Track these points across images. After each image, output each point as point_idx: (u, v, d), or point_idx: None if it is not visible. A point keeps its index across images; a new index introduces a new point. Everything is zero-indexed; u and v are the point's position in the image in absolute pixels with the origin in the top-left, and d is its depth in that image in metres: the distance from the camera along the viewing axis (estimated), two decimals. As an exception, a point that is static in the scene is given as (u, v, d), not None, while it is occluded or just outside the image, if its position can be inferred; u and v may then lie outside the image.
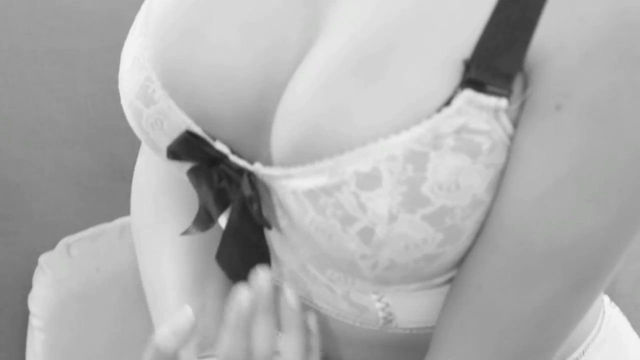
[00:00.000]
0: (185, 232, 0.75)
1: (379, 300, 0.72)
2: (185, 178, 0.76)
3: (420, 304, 0.72)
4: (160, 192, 0.86)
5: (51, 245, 1.07)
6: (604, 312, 0.85)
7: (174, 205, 0.85)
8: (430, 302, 0.72)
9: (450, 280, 0.70)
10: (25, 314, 1.07)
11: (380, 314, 0.74)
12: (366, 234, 0.63)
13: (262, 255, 0.73)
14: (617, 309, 0.88)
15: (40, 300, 1.04)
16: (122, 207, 1.02)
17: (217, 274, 0.85)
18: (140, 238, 0.87)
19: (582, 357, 0.81)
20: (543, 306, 0.65)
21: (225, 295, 0.85)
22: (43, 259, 1.05)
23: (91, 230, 1.08)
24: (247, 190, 0.68)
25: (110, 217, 1.08)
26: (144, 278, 0.86)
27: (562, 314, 0.66)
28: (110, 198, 1.01)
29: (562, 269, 0.63)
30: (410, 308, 0.73)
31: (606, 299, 0.87)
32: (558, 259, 0.63)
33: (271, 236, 0.73)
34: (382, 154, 0.61)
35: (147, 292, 0.86)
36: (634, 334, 0.88)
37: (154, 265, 0.84)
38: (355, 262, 0.65)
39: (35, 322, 1.04)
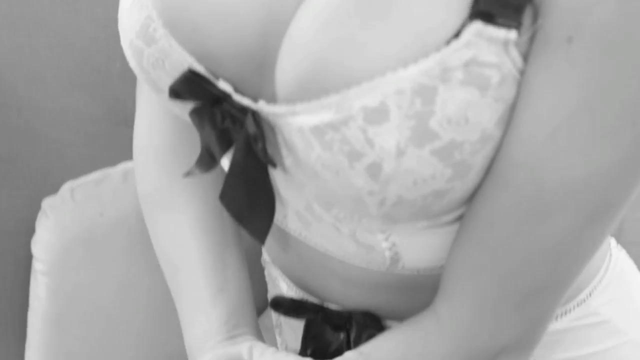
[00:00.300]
0: (188, 174, 0.74)
1: (386, 239, 0.72)
2: (188, 122, 0.75)
3: (427, 243, 0.72)
4: (167, 155, 0.85)
5: (54, 190, 1.06)
6: (610, 255, 0.85)
7: (183, 168, 0.84)
8: (438, 241, 0.71)
9: (458, 219, 0.69)
10: (28, 258, 1.07)
11: (387, 254, 0.73)
12: (374, 170, 0.62)
13: (266, 194, 0.72)
14: (623, 251, 0.88)
15: (44, 244, 1.04)
16: (125, 151, 1.02)
17: (235, 244, 0.85)
18: (151, 206, 0.86)
19: (588, 298, 0.81)
20: (555, 242, 0.65)
21: (244, 265, 0.85)
22: (46, 203, 1.05)
23: (94, 175, 1.07)
24: (251, 128, 0.67)
25: (113, 162, 1.07)
26: (160, 250, 0.85)
27: (574, 250, 0.66)
28: (113, 143, 1.00)
29: (573, 204, 0.63)
30: (417, 248, 0.72)
31: (613, 242, 0.87)
32: (570, 194, 0.62)
33: (275, 176, 0.72)
34: (390, 87, 0.60)
35: (163, 264, 0.85)
36: (636, 278, 0.88)
37: (171, 239, 0.84)
38: (362, 198, 0.65)
39: (39, 266, 1.04)
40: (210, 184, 0.85)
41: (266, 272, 0.97)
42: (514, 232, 0.65)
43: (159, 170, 0.85)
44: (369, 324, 0.81)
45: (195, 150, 0.82)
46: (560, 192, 0.62)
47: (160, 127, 0.85)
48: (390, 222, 0.68)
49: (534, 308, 0.69)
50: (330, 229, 0.73)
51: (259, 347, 0.77)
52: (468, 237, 0.68)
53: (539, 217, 0.64)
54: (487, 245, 0.67)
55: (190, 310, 0.81)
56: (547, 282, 0.67)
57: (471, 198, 0.67)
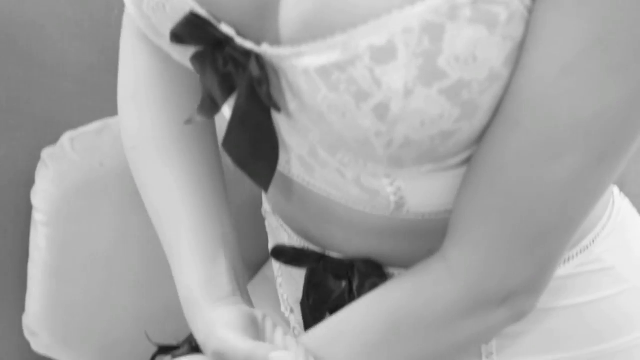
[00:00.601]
0: (189, 121, 0.74)
1: (391, 184, 0.72)
2: (175, 73, 0.75)
3: (432, 187, 0.72)
4: (155, 104, 0.84)
5: (54, 140, 1.06)
6: (613, 203, 0.85)
7: (170, 119, 0.83)
8: (443, 185, 0.71)
9: (464, 162, 0.69)
10: (28, 209, 1.06)
11: (392, 199, 0.73)
12: (381, 110, 0.62)
13: (270, 140, 0.72)
14: (626, 200, 0.88)
15: (43, 195, 1.04)
16: (125, 102, 1.01)
17: (227, 203, 0.85)
18: (143, 159, 0.84)
19: (592, 245, 0.81)
20: (566, 182, 0.65)
21: (235, 230, 0.85)
22: (46, 153, 1.04)
23: (94, 125, 1.07)
24: (255, 71, 0.67)
25: (113, 112, 1.06)
26: (150, 201, 0.84)
27: (586, 189, 0.66)
28: (113, 92, 0.99)
29: (584, 143, 0.63)
30: (422, 192, 0.72)
31: (616, 190, 0.87)
32: (580, 133, 0.62)
33: (278, 121, 0.72)
34: (398, 26, 0.59)
35: (154, 215, 0.84)
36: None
37: (162, 193, 0.83)
38: (369, 140, 0.64)
39: (39, 216, 1.04)
40: (199, 137, 0.84)
41: (267, 223, 0.97)
42: (524, 173, 0.65)
43: (146, 121, 0.84)
44: (371, 272, 0.81)
45: (183, 102, 0.81)
46: (571, 130, 0.62)
47: (146, 78, 0.84)
48: (395, 166, 0.68)
49: (544, 250, 0.69)
50: (334, 174, 0.73)
51: (271, 320, 0.77)
52: (477, 180, 0.68)
53: (550, 157, 0.64)
54: (497, 188, 0.66)
55: (190, 261, 0.81)
56: (557, 223, 0.67)
57: (478, 140, 0.66)
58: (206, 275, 0.79)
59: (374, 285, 0.78)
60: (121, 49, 0.87)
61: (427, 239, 0.76)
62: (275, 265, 0.97)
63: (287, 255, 0.87)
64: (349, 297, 0.83)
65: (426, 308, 0.72)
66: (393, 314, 0.73)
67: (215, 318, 0.75)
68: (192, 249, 0.80)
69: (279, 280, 0.96)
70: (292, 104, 0.68)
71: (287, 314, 0.95)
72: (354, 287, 0.82)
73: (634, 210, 0.88)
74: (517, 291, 0.71)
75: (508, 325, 0.74)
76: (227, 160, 1.09)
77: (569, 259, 0.80)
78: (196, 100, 0.81)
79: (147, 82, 0.84)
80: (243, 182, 1.10)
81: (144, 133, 0.84)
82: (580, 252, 0.81)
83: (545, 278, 0.72)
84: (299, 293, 0.89)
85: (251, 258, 1.10)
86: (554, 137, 0.63)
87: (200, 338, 0.76)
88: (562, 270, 0.80)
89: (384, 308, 0.74)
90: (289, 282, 0.93)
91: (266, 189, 0.74)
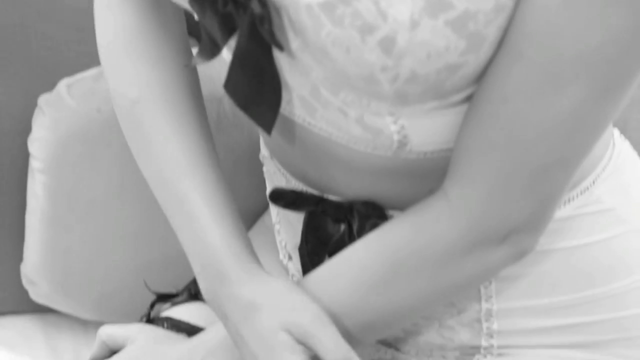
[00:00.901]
0: (190, 63, 0.73)
1: (395, 122, 0.72)
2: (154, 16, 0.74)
3: (435, 125, 0.72)
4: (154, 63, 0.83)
5: (50, 87, 1.05)
6: (614, 145, 0.85)
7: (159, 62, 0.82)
8: (446, 122, 0.71)
9: (468, 99, 0.69)
10: (25, 156, 1.06)
11: (395, 137, 0.73)
12: (387, 43, 0.62)
13: (272, 80, 0.72)
14: (627, 142, 0.88)
15: (40, 142, 1.03)
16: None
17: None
18: (147, 119, 0.82)
19: (592, 186, 0.82)
20: (569, 114, 0.65)
21: None
22: (42, 100, 1.04)
23: (91, 71, 1.06)
24: (257, 9, 0.66)
25: (110, 59, 1.06)
26: (149, 166, 0.82)
27: (588, 123, 0.66)
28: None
29: (587, 74, 0.63)
30: (425, 129, 0.72)
31: (616, 132, 0.87)
32: (584, 63, 0.62)
33: (280, 61, 0.72)
34: None
35: (156, 181, 0.82)
36: None
37: (164, 157, 0.81)
38: (374, 75, 0.64)
39: (36, 164, 1.04)
40: (193, 92, 0.83)
41: (265, 169, 0.96)
42: (527, 105, 0.65)
43: (138, 70, 0.83)
44: (371, 213, 0.81)
45: (168, 44, 0.80)
46: (575, 61, 0.62)
47: (124, 21, 0.82)
48: (400, 104, 0.67)
49: (545, 187, 0.69)
50: (336, 114, 0.73)
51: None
52: (480, 113, 0.68)
53: (553, 88, 0.64)
54: (499, 120, 0.67)
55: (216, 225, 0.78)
56: (558, 158, 0.68)
57: (482, 75, 0.66)
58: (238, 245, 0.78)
59: (374, 227, 0.78)
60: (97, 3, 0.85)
61: (428, 179, 0.76)
62: (273, 212, 0.96)
63: (286, 199, 0.87)
64: (349, 240, 0.83)
65: (427, 246, 0.72)
66: (394, 253, 0.73)
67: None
68: (215, 213, 0.79)
69: (277, 227, 0.96)
70: (294, 43, 0.68)
71: (285, 261, 0.95)
72: (354, 230, 0.82)
73: (634, 153, 0.88)
74: (518, 229, 0.71)
75: (508, 265, 0.74)
76: (224, 107, 1.08)
77: (569, 200, 0.80)
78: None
79: (126, 25, 0.82)
80: (241, 128, 1.10)
81: (146, 88, 0.82)
82: (581, 193, 0.81)
83: (546, 216, 0.72)
84: (297, 239, 0.88)
85: (249, 206, 1.10)
86: (557, 68, 0.63)
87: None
88: (562, 212, 0.80)
89: (383, 247, 0.74)
90: (287, 228, 0.93)
91: (269, 131, 0.74)
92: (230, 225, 0.78)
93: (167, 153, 0.80)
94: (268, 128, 0.73)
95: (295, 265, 0.93)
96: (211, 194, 0.79)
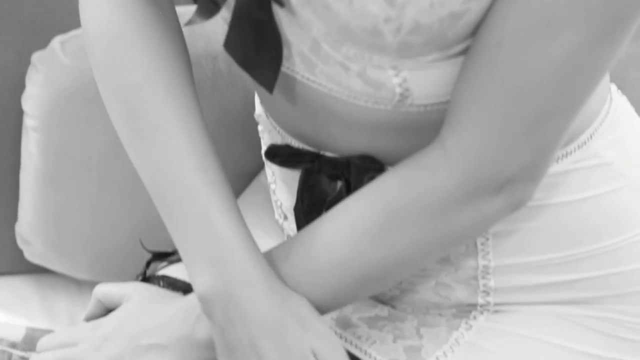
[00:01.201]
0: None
1: (397, 75, 0.71)
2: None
3: (437, 76, 0.71)
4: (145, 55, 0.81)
5: (44, 45, 1.05)
6: (611, 99, 0.85)
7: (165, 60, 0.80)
8: (447, 73, 0.71)
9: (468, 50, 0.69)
10: (19, 115, 1.06)
11: (397, 90, 0.73)
12: None
13: (273, 37, 0.71)
14: (624, 97, 0.87)
15: (34, 100, 1.03)
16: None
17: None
18: (148, 105, 0.79)
19: (589, 140, 0.81)
20: (566, 60, 0.64)
21: None
22: (36, 57, 1.03)
23: (85, 29, 1.05)
24: None
25: (104, 17, 1.05)
26: (146, 171, 0.81)
27: (584, 69, 0.66)
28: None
29: (583, 18, 0.63)
30: (426, 82, 0.72)
31: (613, 87, 0.86)
32: (580, 7, 0.62)
33: (280, 17, 0.71)
34: None
35: (152, 176, 0.81)
36: (638, 123, 0.88)
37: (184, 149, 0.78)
38: (377, 27, 0.64)
39: (30, 122, 1.03)
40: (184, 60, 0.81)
41: (260, 128, 0.96)
42: (523, 50, 0.65)
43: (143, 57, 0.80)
44: (369, 167, 0.80)
45: (170, 32, 0.79)
46: (571, 5, 0.62)
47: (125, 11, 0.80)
48: (403, 55, 0.67)
49: (542, 134, 0.69)
50: (337, 69, 0.72)
51: None
52: (476, 61, 0.67)
53: (549, 33, 0.63)
54: (495, 66, 0.66)
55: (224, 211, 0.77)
56: (554, 106, 0.67)
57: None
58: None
59: (372, 180, 0.78)
60: None
61: (426, 133, 0.75)
62: (269, 171, 0.96)
63: (282, 155, 0.86)
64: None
65: (423, 196, 0.72)
66: (389, 203, 0.73)
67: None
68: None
69: (272, 186, 0.95)
70: None
71: (280, 221, 0.95)
72: (352, 184, 0.81)
73: (631, 108, 0.88)
74: (514, 178, 0.71)
75: (505, 216, 0.74)
76: (219, 65, 1.08)
77: (566, 155, 0.80)
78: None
79: (138, 21, 0.81)
80: (236, 87, 1.09)
81: (152, 74, 0.80)
82: (578, 147, 0.81)
83: (542, 165, 0.72)
84: (293, 198, 0.88)
85: (244, 166, 1.10)
86: (553, 12, 0.63)
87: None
88: (559, 166, 0.80)
89: (379, 197, 0.74)
90: (282, 187, 0.92)
91: (271, 90, 0.73)
92: (243, 225, 0.77)
93: (172, 143, 0.78)
94: (269, 86, 0.73)
95: (290, 225, 0.93)
96: (223, 188, 0.78)
